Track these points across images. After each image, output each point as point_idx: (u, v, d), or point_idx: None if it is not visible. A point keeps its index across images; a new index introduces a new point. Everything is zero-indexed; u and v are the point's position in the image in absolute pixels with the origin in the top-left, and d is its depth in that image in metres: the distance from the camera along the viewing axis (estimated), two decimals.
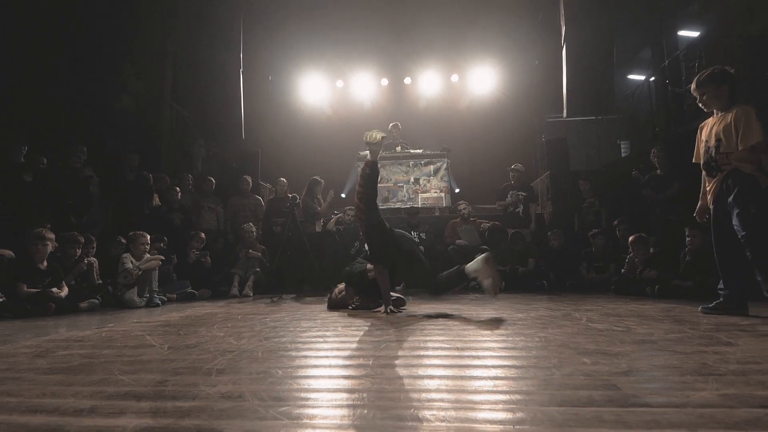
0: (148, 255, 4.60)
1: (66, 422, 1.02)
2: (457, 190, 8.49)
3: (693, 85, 2.93)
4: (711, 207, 2.91)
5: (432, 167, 7.78)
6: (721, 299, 2.84)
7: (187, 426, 0.98)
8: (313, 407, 1.14)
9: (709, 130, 2.89)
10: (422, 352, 1.82)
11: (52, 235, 4.04)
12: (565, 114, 7.43)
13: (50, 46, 6.77)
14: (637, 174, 5.67)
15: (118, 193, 5.90)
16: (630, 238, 4.63)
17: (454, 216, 6.68)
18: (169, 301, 4.77)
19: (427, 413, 1.05)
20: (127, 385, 1.34)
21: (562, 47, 7.38)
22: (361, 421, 1.01)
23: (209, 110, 8.48)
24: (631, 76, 9.88)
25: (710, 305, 2.87)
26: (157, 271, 4.63)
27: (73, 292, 4.08)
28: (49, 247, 4.00)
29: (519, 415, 1.03)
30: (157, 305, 4.40)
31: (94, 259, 4.59)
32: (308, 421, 1.03)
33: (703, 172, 2.96)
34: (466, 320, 2.71)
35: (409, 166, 7.84)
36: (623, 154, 9.17)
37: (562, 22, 7.45)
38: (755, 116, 2.67)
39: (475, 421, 1.01)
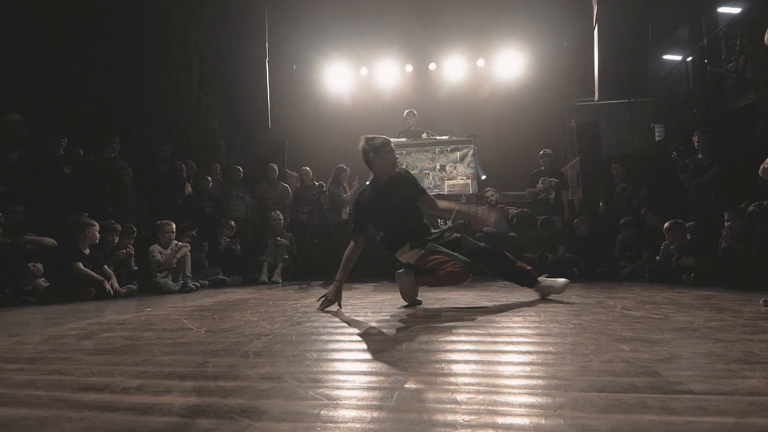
0: (176, 242, 4.74)
1: (116, 399, 1.06)
2: (483, 177, 8.38)
3: (767, 35, 2.49)
4: None
5: (458, 154, 7.69)
6: None
7: (231, 405, 1.01)
8: (350, 389, 1.16)
9: None
10: (454, 337, 1.81)
11: (96, 224, 4.22)
12: (596, 97, 7.19)
13: (83, 42, 6.95)
14: (676, 156, 5.45)
15: (152, 184, 6.07)
16: (665, 225, 4.48)
17: (482, 203, 6.60)
18: (202, 287, 4.91)
19: (463, 396, 1.05)
20: (169, 365, 1.39)
21: (594, 27, 7.11)
22: (397, 403, 1.02)
23: (236, 100, 8.58)
24: (667, 57, 9.48)
25: None
26: (189, 258, 4.77)
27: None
28: (96, 233, 4.17)
29: (558, 400, 1.02)
30: (191, 290, 4.54)
31: (132, 247, 4.75)
32: (346, 402, 1.04)
33: None
34: (496, 307, 2.69)
35: (434, 152, 7.77)
36: (657, 138, 8.86)
37: (593, 2, 7.18)
38: None
39: (512, 405, 1.00)
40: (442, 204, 2.97)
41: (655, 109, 8.71)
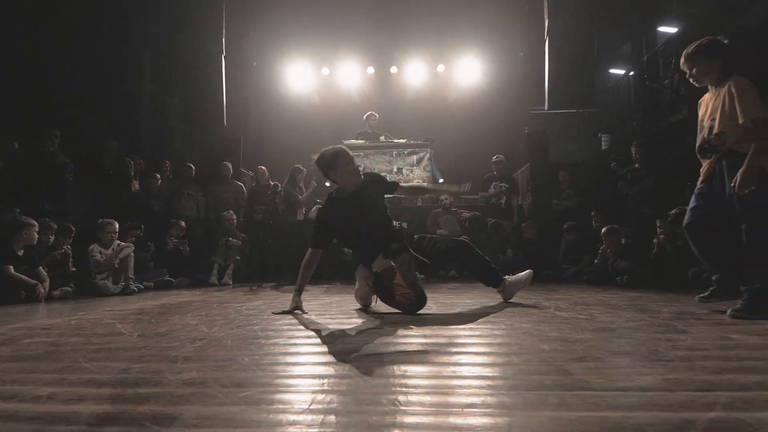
0: (119, 242, 4.56)
1: (22, 408, 1.03)
2: (440, 180, 8.53)
3: (681, 59, 2.58)
4: (698, 186, 2.50)
5: (415, 157, 7.81)
6: (715, 286, 2.68)
7: (144, 412, 1.00)
8: (276, 393, 1.17)
9: (705, 107, 2.51)
10: (390, 339, 1.85)
11: (36, 224, 3.98)
12: (546, 107, 7.50)
13: (24, 32, 6.57)
14: (615, 166, 5.78)
15: (97, 181, 5.80)
16: (603, 230, 4.74)
17: (436, 206, 6.73)
18: (146, 289, 4.73)
19: (383, 398, 1.08)
20: (90, 372, 1.35)
21: (545, 40, 7.42)
22: (321, 405, 1.04)
23: (191, 95, 8.33)
24: (613, 71, 10.00)
25: (705, 294, 2.68)
26: (132, 259, 4.59)
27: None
28: (35, 234, 3.94)
29: (470, 399, 1.07)
30: (133, 293, 4.37)
31: (69, 247, 4.52)
32: (267, 406, 1.05)
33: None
34: (439, 309, 2.76)
35: (392, 155, 7.84)
36: (604, 147, 9.32)
37: (545, 15, 7.48)
38: (753, 89, 2.31)
39: (423, 404, 1.05)
40: (415, 187, 2.96)
41: (601, 120, 9.16)
